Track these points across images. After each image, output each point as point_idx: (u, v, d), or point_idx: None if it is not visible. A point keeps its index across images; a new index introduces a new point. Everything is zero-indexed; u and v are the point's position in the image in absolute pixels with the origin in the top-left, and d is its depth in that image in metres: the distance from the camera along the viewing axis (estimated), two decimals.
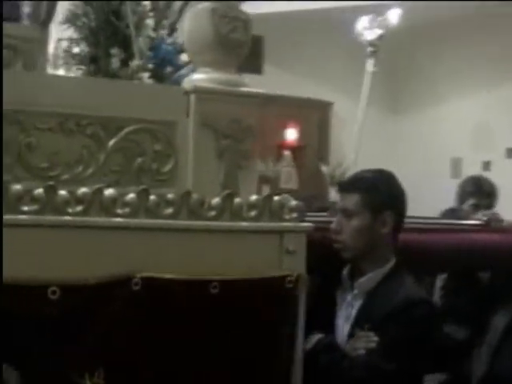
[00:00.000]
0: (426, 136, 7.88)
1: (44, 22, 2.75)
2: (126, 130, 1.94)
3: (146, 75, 2.42)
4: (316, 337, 2.01)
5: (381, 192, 2.03)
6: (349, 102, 8.30)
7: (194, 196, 1.87)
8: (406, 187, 2.13)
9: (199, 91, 2.01)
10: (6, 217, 1.67)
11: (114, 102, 1.94)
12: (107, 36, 2.57)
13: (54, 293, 1.69)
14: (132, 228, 1.78)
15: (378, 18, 4.77)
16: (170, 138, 1.99)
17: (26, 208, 1.70)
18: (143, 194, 1.82)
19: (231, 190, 1.99)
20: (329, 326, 2.07)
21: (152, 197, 1.83)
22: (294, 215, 1.95)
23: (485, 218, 2.61)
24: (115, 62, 2.47)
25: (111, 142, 1.92)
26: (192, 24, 2.10)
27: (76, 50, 2.98)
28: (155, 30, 2.65)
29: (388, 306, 1.95)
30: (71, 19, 3.11)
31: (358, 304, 2.04)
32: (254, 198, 1.94)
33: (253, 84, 8.45)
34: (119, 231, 1.78)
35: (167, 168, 1.98)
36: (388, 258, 2.06)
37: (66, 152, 1.90)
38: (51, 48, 3.01)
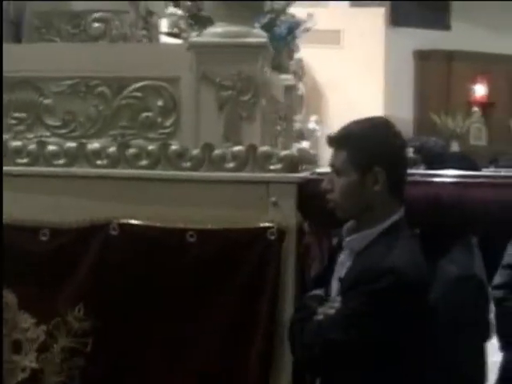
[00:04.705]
0: None
1: None
2: (131, 87, 1.94)
3: None
4: (310, 294, 1.77)
5: (367, 147, 1.70)
6: None
7: (173, 147, 1.82)
8: None
9: (199, 45, 1.92)
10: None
11: (119, 63, 1.95)
12: None
13: (44, 234, 1.79)
14: (112, 178, 1.80)
15: None
16: (172, 93, 1.93)
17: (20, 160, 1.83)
18: (123, 147, 1.81)
19: (232, 140, 1.91)
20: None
21: (131, 149, 1.82)
22: (280, 166, 1.79)
23: None
24: None
25: (117, 100, 1.95)
26: None
27: None
28: None
29: (361, 272, 1.64)
30: None
31: (348, 264, 1.74)
32: (236, 148, 1.82)
33: (440, 40, 7.89)
34: (100, 180, 1.81)
35: (170, 122, 1.93)
36: (383, 217, 1.71)
37: (78, 111, 1.96)
38: None
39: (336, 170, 1.74)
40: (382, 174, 1.68)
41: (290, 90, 2.86)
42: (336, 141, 1.75)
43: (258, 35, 1.96)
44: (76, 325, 1.76)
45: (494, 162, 4.84)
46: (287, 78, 2.86)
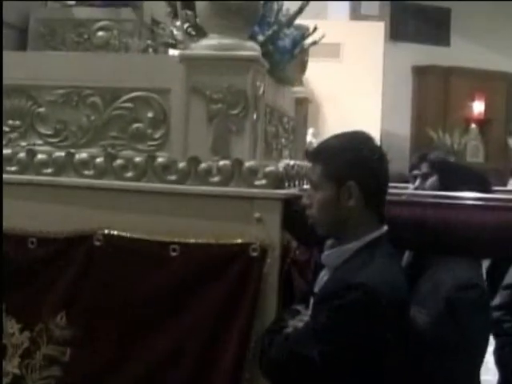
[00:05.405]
0: None
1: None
2: (123, 98, 1.94)
3: None
4: (289, 308, 1.76)
5: (342, 161, 1.66)
6: None
7: (159, 159, 1.81)
8: None
9: (190, 58, 1.91)
10: None
11: (112, 74, 1.95)
12: None
13: (32, 243, 1.79)
14: (98, 188, 1.80)
15: None
16: (163, 104, 1.93)
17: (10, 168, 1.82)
18: (110, 157, 1.81)
19: (221, 154, 1.90)
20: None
21: (118, 160, 1.81)
22: (265, 181, 1.77)
23: None
24: None
25: (108, 111, 1.94)
26: None
27: None
28: None
29: (332, 287, 1.62)
30: None
31: (325, 279, 1.71)
32: (222, 162, 1.81)
33: (439, 56, 7.91)
34: (87, 191, 1.81)
35: (159, 134, 1.92)
36: (361, 234, 1.67)
37: (70, 121, 1.95)
38: None
39: (313, 184, 1.71)
40: (356, 188, 1.64)
41: (301, 102, 2.84)
42: (312, 155, 1.74)
43: (249, 48, 1.94)
44: (57, 332, 1.75)
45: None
46: (299, 91, 2.84)
